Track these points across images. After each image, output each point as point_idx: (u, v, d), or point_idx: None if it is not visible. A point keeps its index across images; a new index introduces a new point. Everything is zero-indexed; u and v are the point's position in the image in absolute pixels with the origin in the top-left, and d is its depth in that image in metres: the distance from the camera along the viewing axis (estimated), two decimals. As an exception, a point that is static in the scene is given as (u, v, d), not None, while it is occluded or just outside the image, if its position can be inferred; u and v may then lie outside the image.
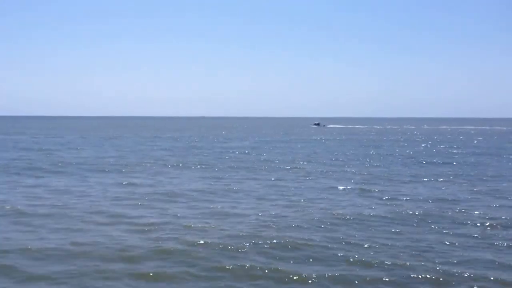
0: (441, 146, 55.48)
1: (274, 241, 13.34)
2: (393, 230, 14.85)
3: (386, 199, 20.20)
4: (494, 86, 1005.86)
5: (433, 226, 15.29)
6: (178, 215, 16.79)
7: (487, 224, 15.60)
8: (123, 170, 29.89)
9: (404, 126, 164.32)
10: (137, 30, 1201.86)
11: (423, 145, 58.29)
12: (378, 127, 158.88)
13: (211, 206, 18.25)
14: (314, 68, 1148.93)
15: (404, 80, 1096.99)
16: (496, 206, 18.69)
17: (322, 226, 15.23)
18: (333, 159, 39.19)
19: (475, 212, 17.37)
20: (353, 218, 16.29)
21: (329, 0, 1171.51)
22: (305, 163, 35.45)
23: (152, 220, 15.85)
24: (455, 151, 48.28)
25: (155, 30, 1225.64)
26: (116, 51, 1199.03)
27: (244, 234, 14.06)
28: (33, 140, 65.35)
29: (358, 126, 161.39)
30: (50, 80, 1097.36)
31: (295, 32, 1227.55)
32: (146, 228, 14.80)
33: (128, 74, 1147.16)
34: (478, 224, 15.65)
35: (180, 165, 33.43)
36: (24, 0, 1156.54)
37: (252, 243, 13.15)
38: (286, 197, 20.47)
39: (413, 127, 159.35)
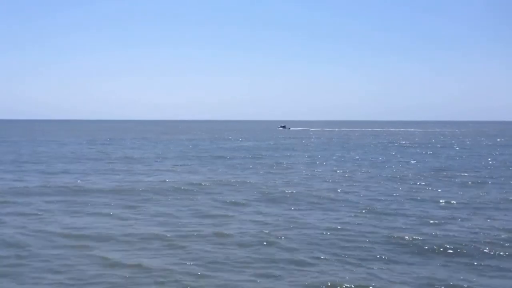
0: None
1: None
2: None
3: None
4: (484, 90, 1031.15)
5: None
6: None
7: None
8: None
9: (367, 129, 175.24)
10: (135, 38, 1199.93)
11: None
12: (347, 129, 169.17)
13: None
14: (311, 72, 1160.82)
15: (395, 84, 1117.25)
16: None
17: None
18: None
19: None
20: None
21: (325, 7, 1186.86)
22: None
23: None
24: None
25: (156, 37, 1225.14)
26: (117, 57, 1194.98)
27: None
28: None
29: (313, 129, 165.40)
30: (65, 85, 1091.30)
31: (294, 38, 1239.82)
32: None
33: (128, 79, 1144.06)
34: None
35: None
36: (39, 8, 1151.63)
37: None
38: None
39: (380, 129, 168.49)
